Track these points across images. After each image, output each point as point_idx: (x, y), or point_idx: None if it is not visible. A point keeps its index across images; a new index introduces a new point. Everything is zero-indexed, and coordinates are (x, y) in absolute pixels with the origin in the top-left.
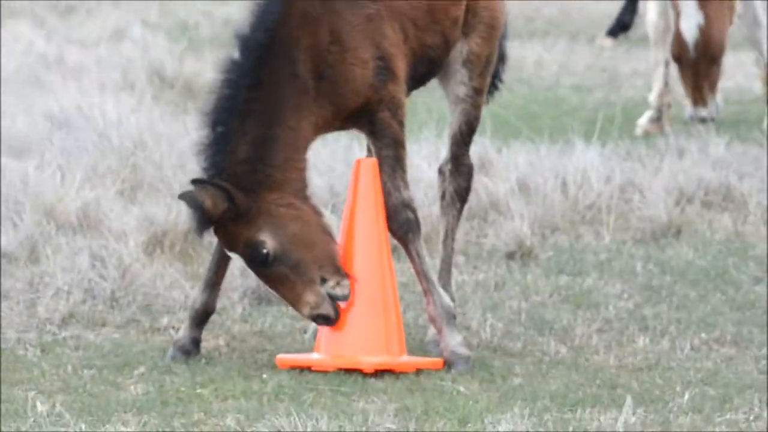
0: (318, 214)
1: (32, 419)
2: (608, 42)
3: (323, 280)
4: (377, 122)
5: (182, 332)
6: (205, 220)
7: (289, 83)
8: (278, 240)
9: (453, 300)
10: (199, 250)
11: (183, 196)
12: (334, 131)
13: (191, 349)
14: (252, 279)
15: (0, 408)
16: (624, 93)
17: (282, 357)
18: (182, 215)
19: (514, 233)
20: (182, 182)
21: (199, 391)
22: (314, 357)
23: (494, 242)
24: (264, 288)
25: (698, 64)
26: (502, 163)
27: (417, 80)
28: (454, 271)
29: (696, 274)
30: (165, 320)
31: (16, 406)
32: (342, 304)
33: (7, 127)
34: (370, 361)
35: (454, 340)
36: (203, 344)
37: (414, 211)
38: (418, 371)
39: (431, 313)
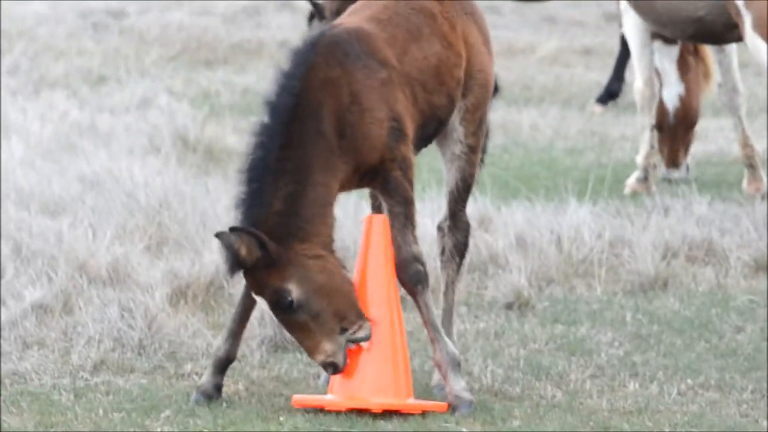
0: (343, 267)
1: None
2: (598, 108)
3: (343, 330)
4: (390, 181)
5: (205, 378)
6: (237, 264)
7: (315, 142)
8: (303, 289)
9: (454, 351)
10: (220, 302)
11: (220, 236)
12: (353, 189)
13: (213, 393)
14: (269, 328)
15: None
16: (613, 155)
17: (298, 398)
18: (205, 269)
19: (512, 285)
20: (204, 239)
21: None
22: (328, 398)
23: (494, 293)
24: (282, 335)
25: (677, 130)
26: (501, 220)
27: (425, 139)
28: (457, 320)
29: (681, 324)
30: (189, 366)
31: None
32: (364, 345)
33: (43, 189)
34: (378, 402)
35: (458, 385)
36: (224, 389)
37: (423, 264)
38: (424, 414)
39: (437, 360)
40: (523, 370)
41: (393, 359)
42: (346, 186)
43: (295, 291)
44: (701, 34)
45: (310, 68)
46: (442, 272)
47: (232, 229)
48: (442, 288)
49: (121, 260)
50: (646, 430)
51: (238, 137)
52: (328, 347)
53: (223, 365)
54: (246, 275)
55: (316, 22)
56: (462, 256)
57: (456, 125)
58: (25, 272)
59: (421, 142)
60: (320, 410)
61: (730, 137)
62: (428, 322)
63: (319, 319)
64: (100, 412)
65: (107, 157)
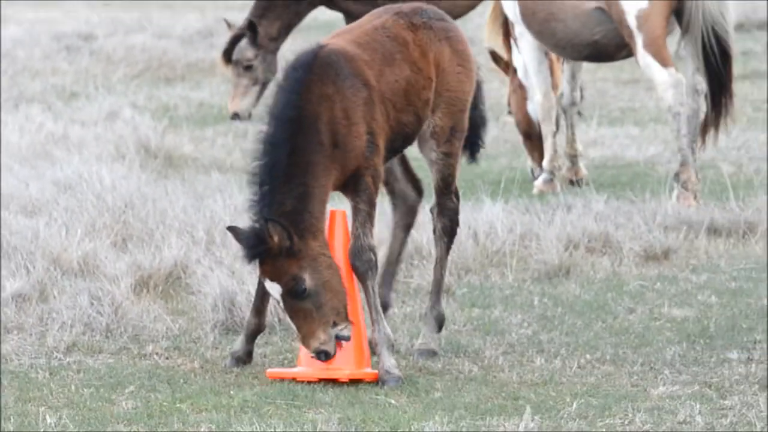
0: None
1: (42, 430)
2: (510, 119)
3: (334, 324)
4: (361, 183)
5: (238, 345)
6: (263, 251)
7: (316, 150)
8: (314, 281)
9: (442, 314)
10: (178, 290)
11: (254, 226)
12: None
13: (245, 358)
14: (221, 313)
15: (16, 421)
16: (523, 160)
17: (271, 371)
18: (165, 262)
19: None
20: (164, 234)
21: (178, 405)
22: (298, 370)
23: (419, 281)
24: (232, 319)
25: (540, 138)
26: (425, 217)
27: (394, 151)
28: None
29: (582, 306)
30: (150, 348)
31: (30, 419)
32: (343, 343)
33: (21, 191)
34: (344, 372)
35: (388, 362)
36: (181, 367)
37: (376, 255)
38: (358, 387)
39: (374, 338)
40: (444, 349)
41: (355, 333)
42: (334, 190)
43: (308, 280)
44: (595, 54)
45: (307, 84)
46: (435, 248)
47: (268, 220)
48: (433, 263)
49: (91, 254)
50: (551, 399)
51: (194, 145)
52: (322, 336)
53: (254, 335)
54: (265, 262)
55: (244, 43)
56: (450, 236)
57: (428, 137)
58: (5, 266)
59: (390, 153)
60: (266, 384)
61: (624, 143)
62: (372, 305)
63: (321, 310)
64: (72, 388)
65: (78, 164)
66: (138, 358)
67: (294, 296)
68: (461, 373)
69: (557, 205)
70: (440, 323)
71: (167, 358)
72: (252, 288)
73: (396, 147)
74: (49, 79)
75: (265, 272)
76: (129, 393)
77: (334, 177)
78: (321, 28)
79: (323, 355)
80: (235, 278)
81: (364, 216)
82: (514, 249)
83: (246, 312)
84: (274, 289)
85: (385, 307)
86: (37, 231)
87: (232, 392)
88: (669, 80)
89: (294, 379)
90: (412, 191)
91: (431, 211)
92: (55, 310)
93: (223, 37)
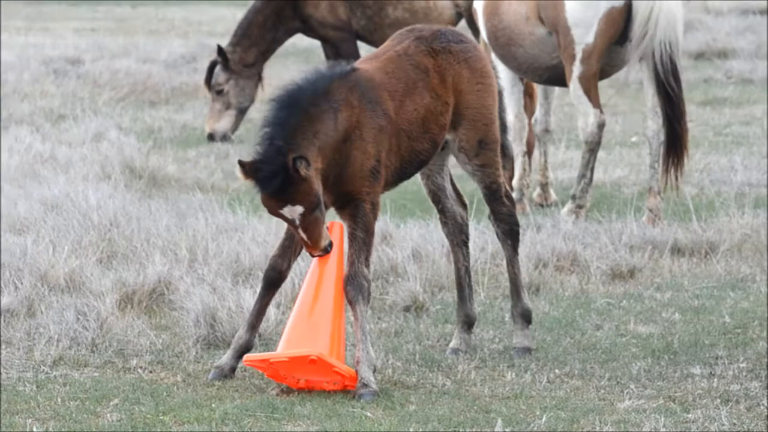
0: None
1: None
2: None
3: None
4: (360, 209)
5: (224, 359)
6: (286, 181)
7: (329, 120)
8: (318, 190)
9: (528, 308)
10: (161, 306)
11: (295, 161)
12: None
13: (228, 373)
14: (203, 328)
15: None
16: None
17: (248, 355)
18: (148, 278)
19: (409, 291)
20: (147, 252)
21: (161, 417)
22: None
23: (394, 298)
24: (213, 334)
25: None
26: (399, 236)
27: (406, 176)
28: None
29: (551, 323)
30: (134, 362)
31: (17, 431)
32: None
33: (10, 210)
34: (314, 352)
35: (367, 377)
36: (164, 380)
37: (369, 282)
38: (335, 400)
39: (358, 357)
40: (419, 363)
41: (332, 329)
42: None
43: (318, 194)
44: (554, 78)
45: (339, 85)
46: (504, 251)
47: (298, 158)
48: (505, 263)
49: (77, 271)
50: (521, 412)
51: (177, 166)
52: (324, 233)
53: (242, 351)
54: (286, 191)
55: (218, 69)
56: (513, 238)
57: (457, 152)
58: None
59: (403, 179)
60: (247, 398)
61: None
62: (359, 327)
63: (322, 213)
64: (59, 400)
65: (65, 183)
66: (122, 371)
67: (314, 210)
68: (435, 387)
69: (527, 225)
70: (527, 318)
71: (151, 372)
72: (233, 304)
73: (408, 173)
74: (38, 102)
75: (287, 200)
76: (114, 405)
77: (328, 164)
78: (300, 54)
79: (330, 247)
80: (217, 295)
81: (360, 243)
82: (485, 267)
83: (227, 327)
84: (296, 211)
85: (471, 321)
86: (25, 248)
87: (213, 405)
88: (592, 117)
89: (268, 362)
90: (460, 207)
91: (489, 218)
92: (42, 325)
93: (206, 62)
